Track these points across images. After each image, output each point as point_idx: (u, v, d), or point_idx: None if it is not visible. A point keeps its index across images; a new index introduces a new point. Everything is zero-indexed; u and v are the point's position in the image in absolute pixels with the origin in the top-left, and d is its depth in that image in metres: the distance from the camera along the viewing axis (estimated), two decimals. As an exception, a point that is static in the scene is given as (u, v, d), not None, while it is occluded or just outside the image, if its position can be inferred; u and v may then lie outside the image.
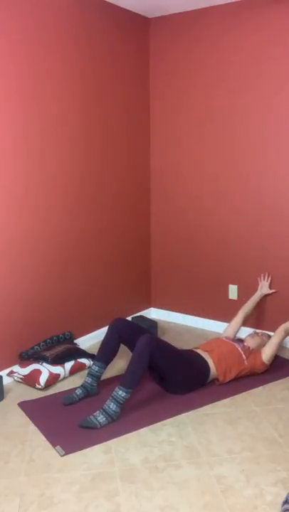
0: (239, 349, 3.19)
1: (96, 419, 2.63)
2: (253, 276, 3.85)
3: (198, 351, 3.14)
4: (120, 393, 2.67)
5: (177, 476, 2.26)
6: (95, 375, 2.98)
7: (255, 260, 3.83)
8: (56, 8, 3.19)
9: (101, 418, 2.64)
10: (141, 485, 2.21)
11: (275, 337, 3.26)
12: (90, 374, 2.99)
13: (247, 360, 3.17)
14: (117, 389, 2.68)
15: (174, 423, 2.71)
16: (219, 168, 3.88)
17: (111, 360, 3.02)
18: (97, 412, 2.66)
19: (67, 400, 2.89)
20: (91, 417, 2.64)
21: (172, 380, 2.98)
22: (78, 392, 2.93)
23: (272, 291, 3.72)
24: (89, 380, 2.98)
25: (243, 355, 3.17)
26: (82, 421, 2.64)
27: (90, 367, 3.06)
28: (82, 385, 2.97)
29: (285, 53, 3.45)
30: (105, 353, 2.99)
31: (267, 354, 3.22)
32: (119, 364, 3.44)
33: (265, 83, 3.56)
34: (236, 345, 3.22)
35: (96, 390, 2.99)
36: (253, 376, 3.24)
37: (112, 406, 2.66)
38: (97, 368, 2.98)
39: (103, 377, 3.20)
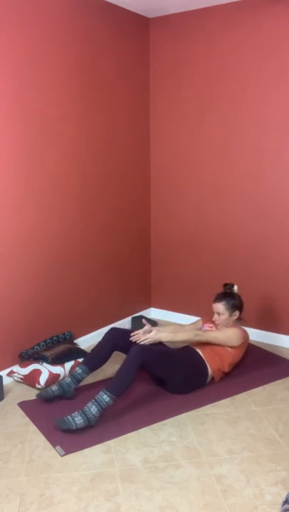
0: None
1: (73, 419, 2.56)
2: (253, 276, 3.85)
3: (197, 350, 3.12)
4: (104, 397, 2.61)
5: (177, 476, 2.26)
6: (76, 378, 2.93)
7: (254, 260, 3.82)
8: (57, 9, 3.19)
9: (78, 420, 2.57)
10: (141, 485, 2.21)
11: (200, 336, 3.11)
12: (71, 374, 2.94)
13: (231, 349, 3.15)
14: (101, 393, 2.63)
15: (174, 423, 2.71)
16: (219, 168, 3.88)
17: (97, 368, 2.98)
18: (76, 412, 2.60)
19: (41, 395, 2.85)
20: (68, 417, 2.58)
21: (173, 382, 2.97)
22: (54, 388, 2.89)
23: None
24: (68, 380, 2.92)
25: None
26: (58, 421, 2.58)
27: (74, 368, 3.00)
28: (59, 383, 2.92)
29: (284, 53, 3.45)
30: (93, 360, 2.96)
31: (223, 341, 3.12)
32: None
33: (265, 83, 3.56)
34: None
35: (72, 393, 2.92)
36: (252, 376, 3.24)
37: (92, 409, 2.59)
38: (80, 370, 2.93)
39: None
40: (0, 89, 2.91)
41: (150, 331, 2.99)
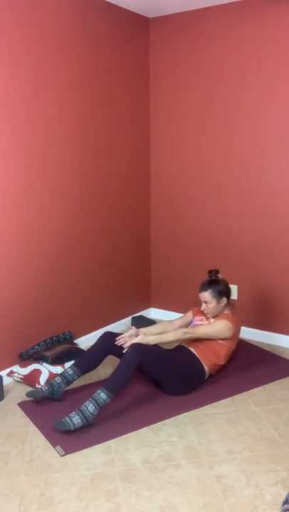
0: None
1: (71, 420, 2.55)
2: (253, 276, 3.85)
3: (190, 348, 3.08)
4: (102, 395, 2.59)
5: (177, 476, 2.26)
6: (66, 378, 2.89)
7: (255, 260, 3.82)
8: (57, 9, 3.19)
9: (76, 419, 2.55)
10: (141, 485, 2.21)
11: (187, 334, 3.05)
12: (61, 375, 2.91)
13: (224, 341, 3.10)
14: (99, 391, 2.61)
15: (174, 423, 2.71)
16: (219, 168, 3.88)
17: (88, 371, 2.96)
18: (73, 412, 2.58)
19: (31, 394, 2.82)
20: (66, 418, 2.56)
21: (170, 384, 2.95)
22: (44, 388, 2.86)
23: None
24: (58, 380, 2.89)
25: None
26: (56, 422, 2.56)
27: (65, 369, 2.99)
28: (50, 382, 2.89)
29: (284, 53, 3.45)
30: (85, 362, 2.93)
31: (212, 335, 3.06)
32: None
33: (265, 83, 3.56)
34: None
35: (61, 394, 2.89)
36: (252, 376, 3.24)
37: (90, 407, 2.57)
38: (71, 372, 2.90)
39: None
40: (0, 89, 2.91)
41: (137, 335, 2.96)
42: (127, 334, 2.99)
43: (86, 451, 2.46)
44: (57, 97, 3.28)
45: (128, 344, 2.89)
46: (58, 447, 2.48)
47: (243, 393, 3.04)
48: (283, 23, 3.42)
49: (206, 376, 3.10)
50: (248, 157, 3.73)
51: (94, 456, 2.42)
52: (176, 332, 3.02)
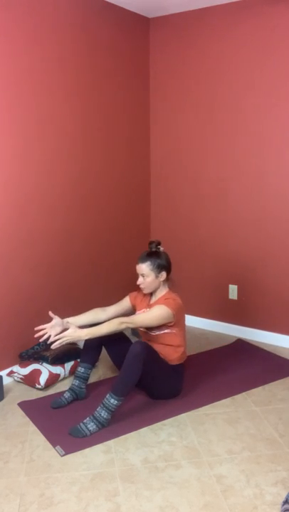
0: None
1: (86, 427, 2.58)
2: (253, 276, 3.85)
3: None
4: (112, 401, 2.60)
5: (177, 476, 2.26)
6: (82, 377, 2.92)
7: (255, 260, 3.82)
8: (57, 8, 3.19)
9: (91, 426, 2.58)
10: (141, 485, 2.21)
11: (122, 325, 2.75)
12: (76, 376, 2.93)
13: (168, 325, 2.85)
14: (108, 396, 2.61)
15: (174, 423, 2.71)
16: (220, 167, 3.88)
17: (96, 361, 2.96)
18: (88, 419, 2.61)
19: (55, 403, 2.85)
20: (81, 424, 2.59)
21: (160, 387, 2.90)
22: (66, 395, 2.89)
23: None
24: (76, 382, 2.92)
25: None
26: (72, 430, 2.59)
27: (76, 370, 3.00)
28: (70, 388, 2.92)
29: (284, 53, 3.45)
30: (89, 354, 2.93)
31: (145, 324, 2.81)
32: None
33: (265, 83, 3.56)
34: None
35: (84, 392, 2.94)
36: (252, 376, 3.24)
37: (103, 414, 2.60)
38: (83, 369, 2.92)
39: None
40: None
41: (63, 326, 2.75)
42: (48, 325, 2.75)
43: (86, 451, 2.46)
44: (56, 98, 3.27)
45: (58, 340, 2.64)
46: (58, 447, 2.48)
47: (243, 393, 3.04)
48: (284, 23, 3.42)
49: (182, 362, 2.95)
50: (250, 156, 3.73)
51: (94, 456, 2.42)
52: (111, 323, 2.69)
